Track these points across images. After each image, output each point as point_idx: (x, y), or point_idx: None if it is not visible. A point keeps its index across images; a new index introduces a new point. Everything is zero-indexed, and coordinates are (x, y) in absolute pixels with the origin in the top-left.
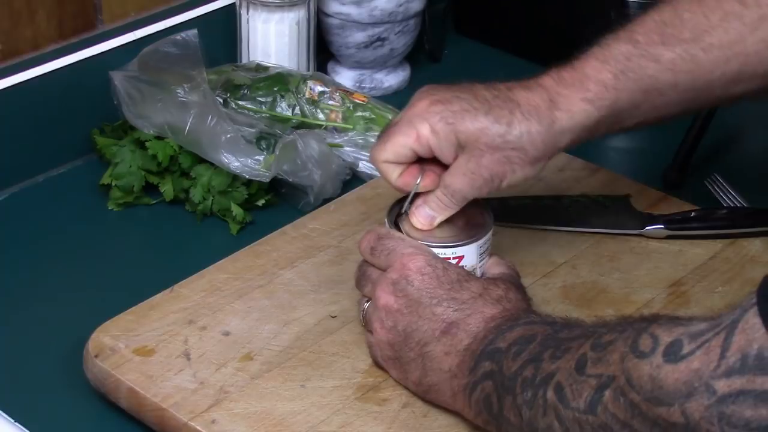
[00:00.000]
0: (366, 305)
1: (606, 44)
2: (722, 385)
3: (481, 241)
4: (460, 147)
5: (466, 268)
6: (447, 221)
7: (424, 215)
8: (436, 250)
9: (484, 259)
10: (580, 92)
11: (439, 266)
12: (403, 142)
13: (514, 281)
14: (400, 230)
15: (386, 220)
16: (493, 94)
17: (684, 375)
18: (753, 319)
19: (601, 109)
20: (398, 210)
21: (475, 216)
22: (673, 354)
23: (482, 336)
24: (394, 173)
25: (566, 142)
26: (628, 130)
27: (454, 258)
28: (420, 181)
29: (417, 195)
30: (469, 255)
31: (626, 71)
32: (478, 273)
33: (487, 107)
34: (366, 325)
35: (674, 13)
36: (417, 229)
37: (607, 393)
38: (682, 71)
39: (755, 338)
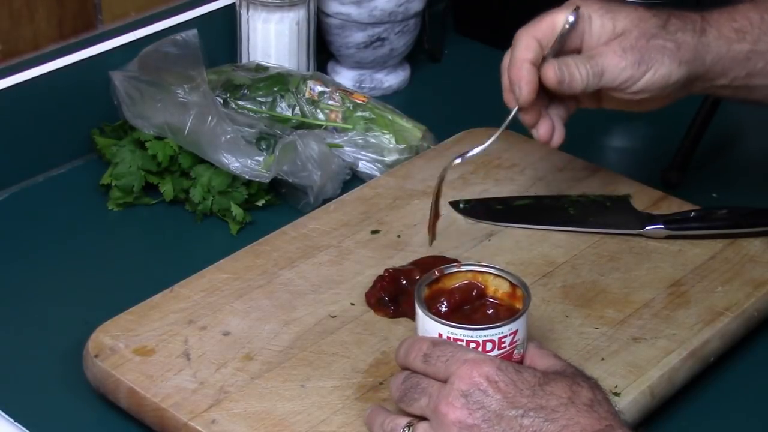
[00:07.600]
0: (407, 430)
1: None
2: None
3: (527, 311)
4: (615, 34)
5: (518, 342)
6: (486, 308)
7: (552, 69)
8: (494, 332)
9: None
10: (729, 21)
11: (511, 369)
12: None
13: (581, 372)
14: (431, 311)
15: (415, 299)
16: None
17: None
18: None
19: (743, 42)
20: (425, 290)
21: (509, 289)
22: None
23: None
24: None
25: (710, 60)
26: (755, 101)
27: (510, 334)
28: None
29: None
30: (521, 327)
31: None
32: (525, 346)
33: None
34: None
35: None
36: (468, 318)
37: None
38: None
39: None
